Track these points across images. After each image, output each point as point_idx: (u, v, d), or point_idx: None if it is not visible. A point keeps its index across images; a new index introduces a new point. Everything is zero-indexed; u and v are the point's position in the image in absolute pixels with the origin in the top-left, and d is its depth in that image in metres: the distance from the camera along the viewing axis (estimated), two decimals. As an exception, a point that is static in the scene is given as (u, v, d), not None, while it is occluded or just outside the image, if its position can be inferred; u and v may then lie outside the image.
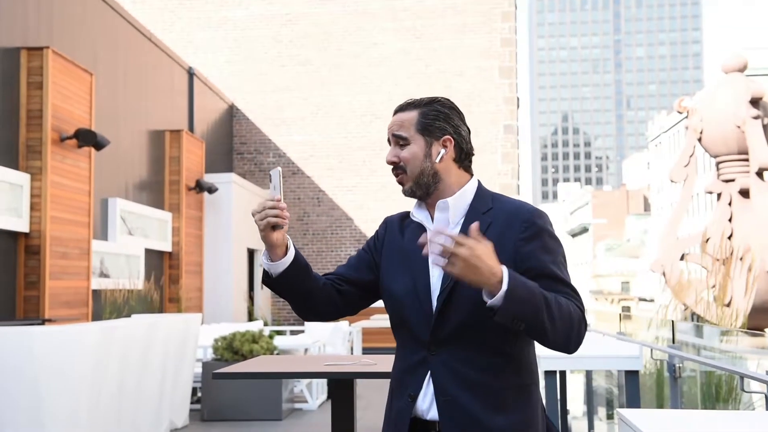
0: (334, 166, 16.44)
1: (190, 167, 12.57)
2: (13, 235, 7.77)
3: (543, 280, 1.86)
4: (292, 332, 12.53)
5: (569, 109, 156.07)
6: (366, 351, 12.43)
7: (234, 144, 16.70)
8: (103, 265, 9.54)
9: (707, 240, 12.30)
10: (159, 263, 11.75)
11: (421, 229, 2.03)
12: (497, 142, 16.25)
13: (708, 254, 11.96)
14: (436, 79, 16.32)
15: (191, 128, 13.67)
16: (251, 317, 14.52)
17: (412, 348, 1.98)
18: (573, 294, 1.90)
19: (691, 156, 12.94)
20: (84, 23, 9.84)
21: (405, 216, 2.14)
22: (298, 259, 2.03)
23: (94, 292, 9.16)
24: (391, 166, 2.07)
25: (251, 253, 14.99)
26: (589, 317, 7.77)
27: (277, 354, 7.59)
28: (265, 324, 14.33)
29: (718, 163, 12.83)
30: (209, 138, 14.75)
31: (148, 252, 11.18)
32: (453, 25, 16.53)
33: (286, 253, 2.01)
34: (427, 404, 1.94)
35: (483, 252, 1.72)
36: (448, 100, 2.07)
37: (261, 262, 2.04)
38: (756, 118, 12.03)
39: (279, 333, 12.06)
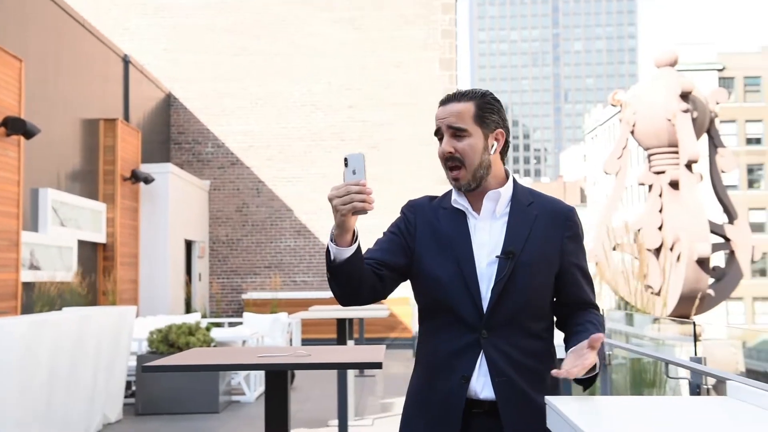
0: (273, 156, 16.32)
1: (126, 157, 12.32)
2: (-62, 227, 7.51)
3: (579, 275, 2.11)
4: (231, 324, 12.42)
5: (509, 102, 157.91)
6: (305, 342, 12.41)
7: (171, 134, 16.42)
8: (33, 257, 9.28)
9: (639, 230, 12.63)
10: (93, 255, 11.50)
11: (462, 215, 2.07)
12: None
13: (639, 244, 12.28)
14: (376, 71, 16.32)
15: (127, 117, 13.39)
16: (188, 309, 14.33)
17: (459, 331, 2.02)
18: (594, 292, 2.19)
19: (624, 148, 13.24)
20: (13, 8, 9.53)
21: (431, 200, 2.16)
22: (359, 245, 1.97)
23: (25, 284, 8.92)
24: (444, 159, 2.06)
25: (189, 245, 14.78)
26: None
27: (214, 346, 7.51)
28: (203, 316, 14.18)
29: (649, 156, 13.16)
30: (146, 127, 14.46)
31: (82, 243, 10.92)
32: (393, 16, 16.54)
33: (353, 240, 1.95)
34: (480, 385, 2.01)
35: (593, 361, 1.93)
36: (494, 95, 2.13)
37: (329, 247, 1.96)
38: (686, 111, 12.37)
39: (217, 325, 11.93)
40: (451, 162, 2.05)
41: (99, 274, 11.52)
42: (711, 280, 12.30)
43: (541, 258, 2.04)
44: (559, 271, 2.08)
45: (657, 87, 12.97)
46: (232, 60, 16.45)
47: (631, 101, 13.19)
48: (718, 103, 13.16)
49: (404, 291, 14.17)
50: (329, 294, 2.28)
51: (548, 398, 2.27)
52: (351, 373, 6.38)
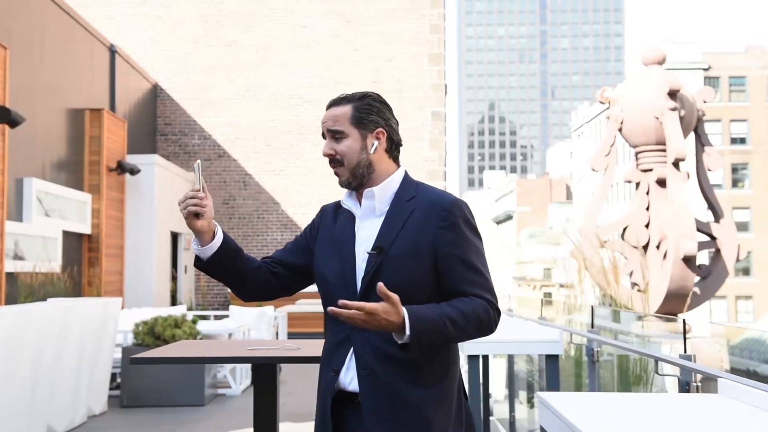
0: (260, 149, 16.24)
1: (112, 147, 12.21)
2: None
3: (458, 267, 2.05)
4: (217, 317, 12.36)
5: (496, 98, 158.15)
6: (291, 336, 12.37)
7: (158, 125, 16.30)
8: (17, 247, 9.19)
9: (625, 228, 12.67)
10: (77, 246, 11.40)
11: (351, 216, 2.17)
12: (425, 128, 16.34)
13: (626, 242, 12.33)
14: (365, 64, 16.27)
15: (113, 107, 13.27)
16: (174, 302, 14.25)
17: (339, 327, 2.09)
18: (484, 284, 2.07)
19: (611, 146, 13.27)
20: (-2, -5, 9.42)
21: (339, 204, 2.26)
22: (227, 243, 2.17)
23: (8, 275, 8.83)
24: (328, 159, 2.16)
25: (175, 237, 14.69)
26: (512, 303, 7.91)
27: (201, 339, 7.46)
28: (189, 309, 14.09)
29: (637, 153, 13.20)
30: (132, 118, 14.35)
31: (66, 234, 10.82)
32: (383, 10, 16.49)
33: (213, 239, 2.16)
34: (349, 377, 2.07)
35: (381, 315, 1.88)
36: (378, 95, 2.19)
37: (192, 247, 2.23)
38: (673, 109, 12.41)
39: (203, 318, 11.86)
40: (332, 163, 2.15)
41: (84, 265, 11.43)
42: (697, 278, 12.36)
43: (410, 252, 2.05)
44: (436, 263, 2.06)
45: (645, 85, 13.00)
46: (220, 51, 16.35)
47: (619, 98, 13.22)
48: (705, 102, 13.22)
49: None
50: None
51: (540, 394, 2.26)
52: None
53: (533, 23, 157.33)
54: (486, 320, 2.04)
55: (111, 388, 7.62)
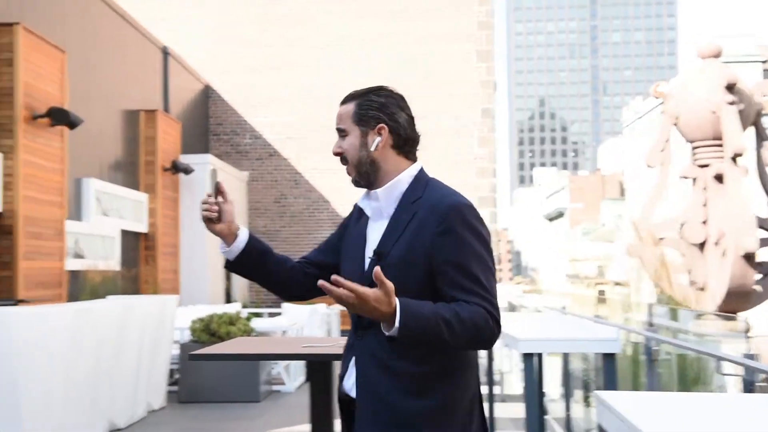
0: (311, 148, 16.34)
1: (166, 148, 12.43)
2: (-15, 215, 7.64)
3: (452, 273, 1.94)
4: (270, 314, 12.48)
5: (546, 94, 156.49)
6: (344, 333, 12.43)
7: (210, 125, 16.54)
8: (77, 246, 9.42)
9: (682, 225, 12.40)
10: (135, 244, 11.63)
11: (366, 216, 2.13)
12: (474, 126, 16.25)
13: (684, 239, 12.07)
14: (414, 62, 16.25)
15: (166, 108, 13.51)
16: (229, 299, 14.45)
17: (351, 332, 2.12)
18: (482, 293, 1.93)
19: (666, 141, 13.01)
20: (56, 1, 9.65)
21: None
22: (251, 245, 2.20)
23: (70, 273, 9.05)
24: (339, 158, 2.17)
25: (227, 235, 14.86)
26: (566, 301, 7.83)
27: (255, 336, 7.55)
28: (243, 306, 14.25)
29: (693, 149, 12.91)
30: (185, 118, 14.58)
31: (124, 233, 11.06)
32: (431, 7, 16.45)
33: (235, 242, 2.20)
34: (350, 383, 2.08)
35: (372, 302, 1.81)
36: (386, 88, 2.13)
37: (219, 249, 2.25)
38: (731, 104, 12.10)
39: (257, 315, 12.00)
40: (342, 161, 2.15)
41: (141, 263, 11.66)
42: (758, 276, 12.03)
43: (406, 258, 1.97)
44: (433, 270, 1.96)
45: (701, 79, 12.71)
46: (270, 52, 16.50)
47: (674, 93, 12.96)
48: (764, 96, 12.86)
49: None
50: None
51: (598, 393, 2.22)
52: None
53: (583, 18, 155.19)
54: (484, 330, 1.91)
55: (169, 384, 7.76)
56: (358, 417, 2.01)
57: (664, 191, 12.74)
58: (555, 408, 6.64)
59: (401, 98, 2.13)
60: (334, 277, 1.84)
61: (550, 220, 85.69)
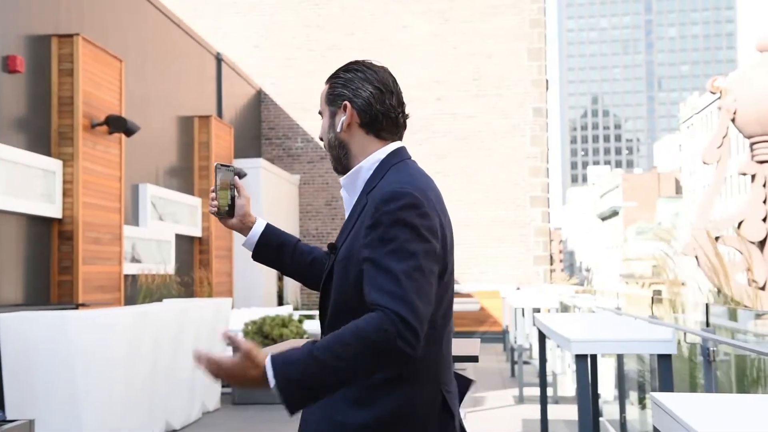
0: (362, 150, 16.41)
1: (219, 152, 12.63)
2: (47, 221, 7.87)
3: (370, 271, 1.69)
4: (322, 316, 12.56)
5: (599, 91, 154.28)
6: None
7: (262, 129, 16.75)
8: (134, 251, 9.63)
9: (741, 222, 12.10)
10: (189, 248, 11.85)
11: None
12: (526, 125, 16.12)
13: (742, 237, 11.77)
14: (465, 62, 16.20)
15: (220, 114, 13.72)
16: (281, 302, 14.60)
17: None
18: (391, 287, 1.64)
19: (724, 137, 12.70)
20: (114, 10, 9.89)
21: None
22: (267, 238, 2.15)
23: (127, 277, 9.27)
24: None
25: (280, 238, 15.03)
26: (620, 301, 7.69)
27: (307, 338, 7.62)
28: (295, 308, 14.40)
29: (752, 144, 12.57)
30: (238, 123, 14.80)
31: (179, 237, 11.27)
32: (482, 6, 16.37)
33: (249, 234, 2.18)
34: None
35: (232, 373, 1.62)
36: (357, 62, 1.94)
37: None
38: (792, 97, 11.77)
39: (309, 317, 12.09)
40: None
41: (195, 267, 11.86)
42: (820, 275, 11.67)
43: (348, 255, 1.79)
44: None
45: (760, 72, 12.38)
46: (321, 56, 16.63)
47: (732, 87, 12.65)
48: (827, 88, 12.47)
49: (494, 285, 13.90)
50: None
51: (653, 395, 2.19)
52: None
53: (638, 13, 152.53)
54: (377, 338, 1.58)
55: (223, 386, 7.88)
56: (302, 422, 1.88)
57: (722, 188, 12.46)
58: (609, 410, 6.55)
59: (374, 71, 1.90)
60: (194, 350, 1.66)
61: (604, 219, 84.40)
